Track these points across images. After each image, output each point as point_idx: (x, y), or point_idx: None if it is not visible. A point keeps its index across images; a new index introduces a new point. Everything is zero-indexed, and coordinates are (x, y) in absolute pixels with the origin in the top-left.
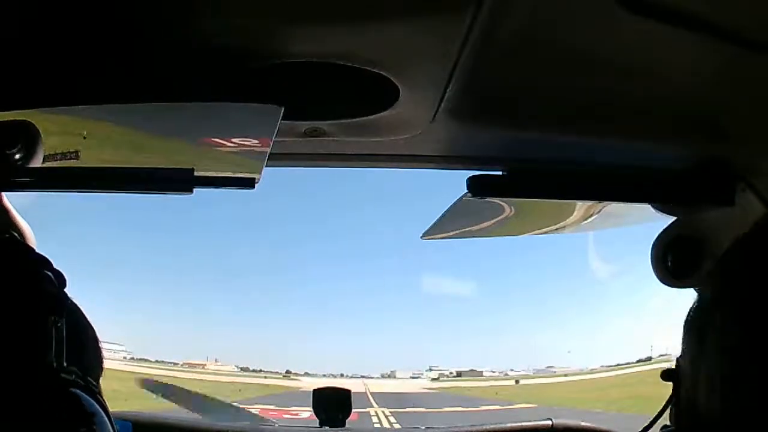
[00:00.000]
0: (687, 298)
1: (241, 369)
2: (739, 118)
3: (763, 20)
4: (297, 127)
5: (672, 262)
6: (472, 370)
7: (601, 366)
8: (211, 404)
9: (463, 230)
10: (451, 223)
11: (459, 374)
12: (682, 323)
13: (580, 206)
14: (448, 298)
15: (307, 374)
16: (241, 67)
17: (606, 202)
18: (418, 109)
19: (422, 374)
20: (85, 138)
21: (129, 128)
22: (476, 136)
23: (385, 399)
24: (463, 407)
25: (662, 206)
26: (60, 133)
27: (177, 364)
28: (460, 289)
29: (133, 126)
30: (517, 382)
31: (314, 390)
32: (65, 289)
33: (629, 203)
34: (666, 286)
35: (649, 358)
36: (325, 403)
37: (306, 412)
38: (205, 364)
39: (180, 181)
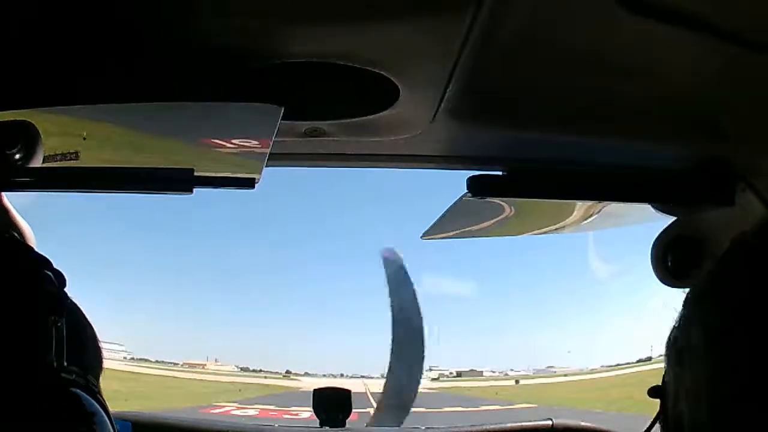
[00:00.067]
0: None
1: (241, 369)
2: (739, 118)
3: (763, 20)
4: (297, 127)
5: (672, 262)
6: (472, 370)
7: (601, 366)
8: None
9: (463, 230)
10: (451, 223)
11: (459, 374)
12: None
13: (580, 206)
14: (448, 298)
15: (307, 374)
16: (241, 67)
17: (606, 202)
18: (418, 109)
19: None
20: (85, 138)
21: (129, 128)
22: (476, 136)
23: None
24: (463, 407)
25: (662, 206)
26: (60, 133)
27: (177, 364)
28: (460, 289)
29: (133, 126)
30: (517, 382)
31: (314, 390)
32: (65, 289)
33: (629, 203)
34: (666, 286)
35: (649, 358)
36: (325, 403)
37: (306, 412)
38: (205, 364)
39: (180, 181)
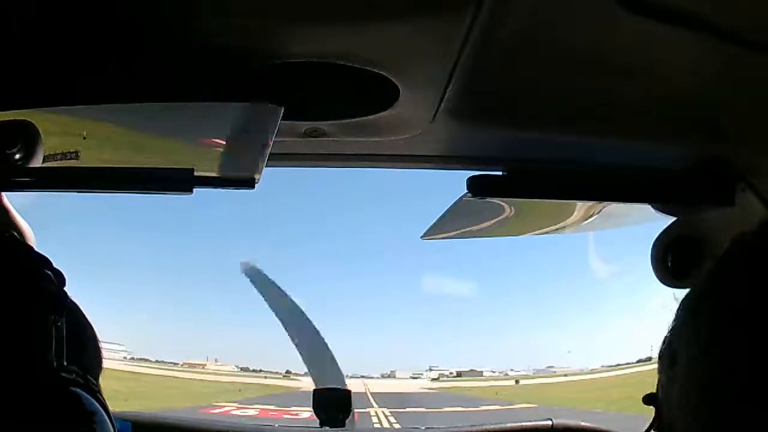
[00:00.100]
0: None
1: (241, 369)
2: (739, 118)
3: (763, 20)
4: (297, 127)
5: (672, 262)
6: (472, 370)
7: (601, 366)
8: None
9: (463, 230)
10: (451, 223)
11: (459, 374)
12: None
13: (580, 206)
14: (448, 298)
15: (307, 374)
16: (241, 67)
17: (606, 202)
18: (418, 109)
19: (422, 374)
20: (85, 138)
21: (129, 128)
22: (476, 136)
23: (385, 399)
24: (463, 407)
25: (662, 206)
26: (60, 133)
27: (177, 364)
28: (460, 289)
29: (133, 126)
30: (517, 382)
31: (314, 390)
32: (64, 288)
33: (629, 203)
34: (666, 286)
35: (649, 358)
36: (325, 403)
37: (306, 412)
38: (205, 364)
39: (180, 181)
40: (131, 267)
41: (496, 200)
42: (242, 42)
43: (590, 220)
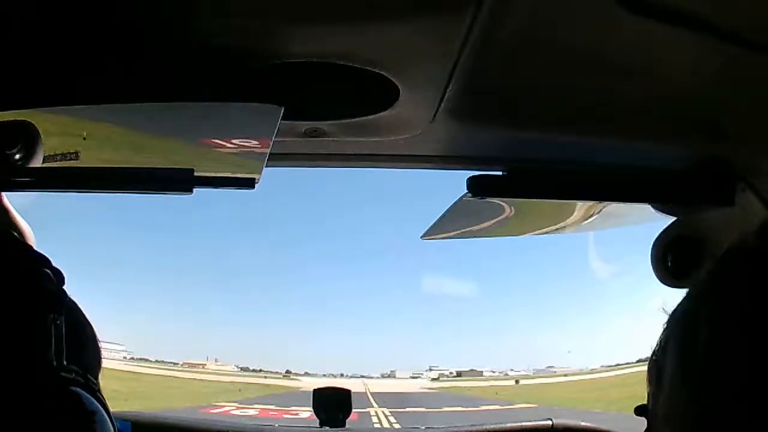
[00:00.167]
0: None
1: (241, 369)
2: (739, 118)
3: (763, 20)
4: (297, 127)
5: (672, 262)
6: (472, 370)
7: (601, 366)
8: None
9: (463, 230)
10: (451, 224)
11: (459, 374)
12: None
13: (580, 206)
14: (448, 298)
15: (307, 374)
16: (241, 67)
17: (606, 202)
18: (418, 109)
19: (422, 374)
20: (85, 138)
21: (129, 128)
22: (476, 136)
23: (385, 399)
24: (463, 407)
25: (662, 206)
26: (60, 133)
27: (177, 363)
28: (460, 289)
29: (133, 126)
30: (517, 382)
31: (314, 390)
32: (64, 287)
33: (629, 203)
34: (666, 286)
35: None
36: (325, 403)
37: (306, 412)
38: (205, 364)
39: (180, 181)
40: (131, 267)
41: (496, 200)
42: (242, 42)
43: (590, 220)
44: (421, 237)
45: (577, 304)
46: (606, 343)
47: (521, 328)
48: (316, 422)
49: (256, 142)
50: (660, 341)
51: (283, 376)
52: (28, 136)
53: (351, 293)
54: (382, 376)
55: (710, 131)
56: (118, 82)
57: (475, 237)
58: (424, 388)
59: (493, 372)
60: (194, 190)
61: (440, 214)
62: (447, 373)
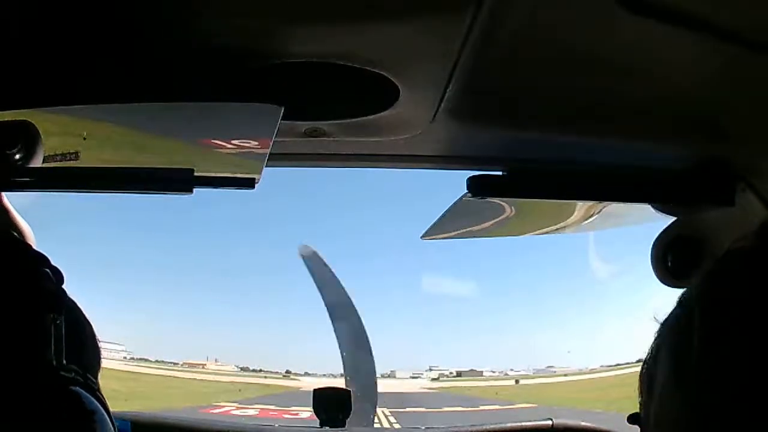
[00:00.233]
0: None
1: (241, 369)
2: (739, 118)
3: (763, 20)
4: (297, 127)
5: (672, 262)
6: (472, 370)
7: (601, 366)
8: None
9: (463, 230)
10: (451, 224)
11: (459, 374)
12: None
13: (581, 206)
14: (448, 298)
15: (307, 374)
16: (241, 67)
17: (606, 202)
18: (418, 109)
19: (422, 374)
20: (85, 138)
21: (129, 128)
22: (476, 136)
23: (385, 399)
24: (462, 407)
25: (662, 206)
26: (60, 133)
27: (177, 363)
28: (460, 289)
29: (133, 126)
30: (517, 382)
31: (314, 390)
32: (63, 286)
33: (629, 203)
34: (666, 286)
35: None
36: (325, 403)
37: (306, 412)
38: (205, 364)
39: (180, 181)
40: (131, 267)
41: (496, 200)
42: (242, 42)
43: (590, 220)
44: (421, 237)
45: (576, 303)
46: (606, 343)
47: (521, 328)
48: (316, 422)
49: (256, 142)
50: (651, 350)
51: (283, 376)
52: (28, 136)
53: (351, 293)
54: (382, 376)
55: (710, 131)
56: (118, 82)
57: (475, 237)
58: (424, 388)
59: (493, 372)
60: (194, 190)
61: (440, 214)
62: (447, 373)
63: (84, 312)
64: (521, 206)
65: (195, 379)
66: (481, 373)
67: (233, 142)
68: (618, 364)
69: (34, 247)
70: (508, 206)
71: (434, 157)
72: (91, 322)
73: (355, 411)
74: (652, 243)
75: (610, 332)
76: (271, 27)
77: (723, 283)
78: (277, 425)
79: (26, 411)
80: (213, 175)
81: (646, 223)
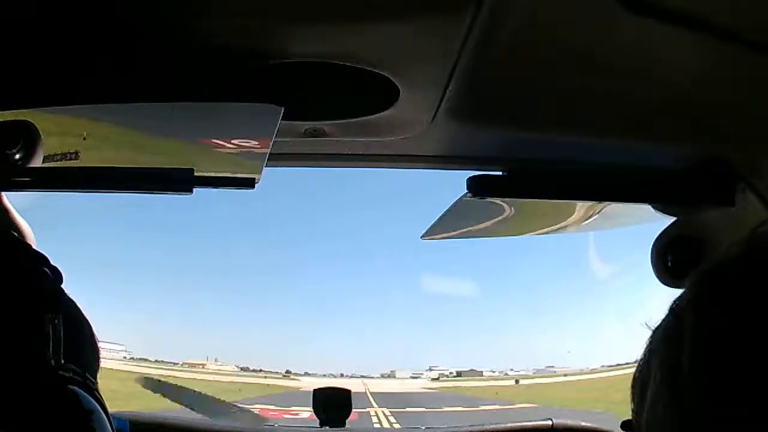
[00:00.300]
0: None
1: (241, 369)
2: (739, 118)
3: (763, 20)
4: (297, 127)
5: (672, 262)
6: (472, 370)
7: (602, 366)
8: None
9: (463, 230)
10: (451, 224)
11: (459, 374)
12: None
13: (581, 206)
14: (448, 298)
15: (307, 374)
16: (241, 67)
17: (606, 202)
18: (418, 109)
19: (422, 374)
20: (85, 138)
21: (129, 128)
22: (476, 136)
23: (385, 399)
24: (463, 407)
25: (662, 206)
26: (60, 133)
27: (177, 363)
28: (460, 289)
29: (133, 126)
30: (517, 382)
31: (314, 390)
32: (62, 286)
33: (629, 203)
34: (666, 286)
35: None
36: (325, 403)
37: (306, 412)
38: (205, 364)
39: (180, 181)
40: (131, 267)
41: (496, 200)
42: (242, 42)
43: (590, 220)
44: (421, 237)
45: (577, 304)
46: (606, 343)
47: (521, 328)
48: (316, 422)
49: (256, 142)
50: (643, 357)
51: (283, 376)
52: (28, 136)
53: (351, 293)
54: (382, 376)
55: (710, 131)
56: (118, 82)
57: (475, 237)
58: (424, 388)
59: (493, 372)
60: (194, 190)
61: (440, 214)
62: (447, 373)
63: (83, 311)
64: (521, 206)
65: (195, 378)
66: (481, 373)
67: (233, 141)
68: (618, 365)
69: (34, 247)
70: (508, 206)
71: (434, 157)
72: (90, 322)
73: None
74: (652, 243)
75: (610, 332)
76: (271, 27)
77: (714, 291)
78: (277, 425)
79: (25, 410)
80: (213, 175)
81: (646, 223)
